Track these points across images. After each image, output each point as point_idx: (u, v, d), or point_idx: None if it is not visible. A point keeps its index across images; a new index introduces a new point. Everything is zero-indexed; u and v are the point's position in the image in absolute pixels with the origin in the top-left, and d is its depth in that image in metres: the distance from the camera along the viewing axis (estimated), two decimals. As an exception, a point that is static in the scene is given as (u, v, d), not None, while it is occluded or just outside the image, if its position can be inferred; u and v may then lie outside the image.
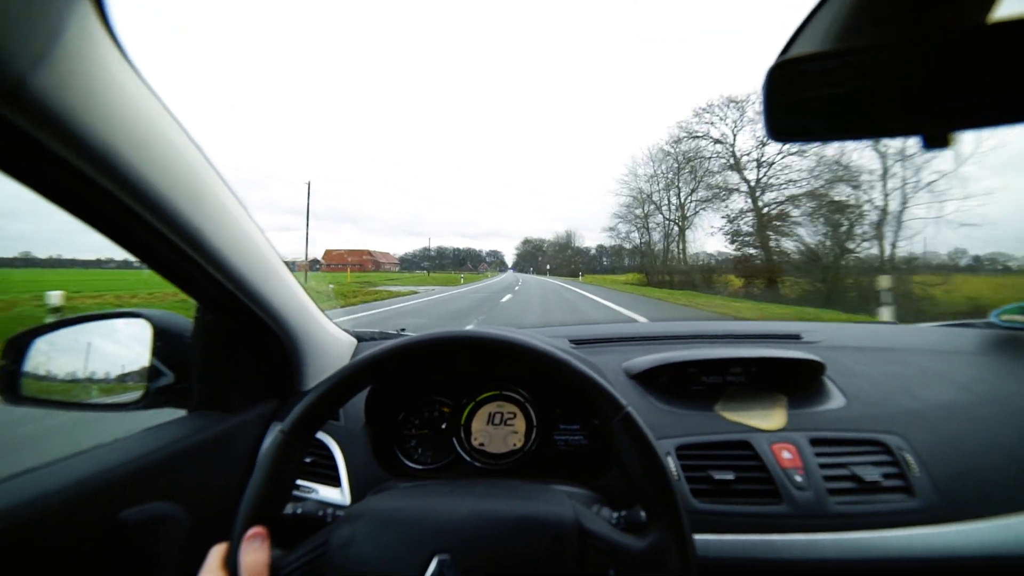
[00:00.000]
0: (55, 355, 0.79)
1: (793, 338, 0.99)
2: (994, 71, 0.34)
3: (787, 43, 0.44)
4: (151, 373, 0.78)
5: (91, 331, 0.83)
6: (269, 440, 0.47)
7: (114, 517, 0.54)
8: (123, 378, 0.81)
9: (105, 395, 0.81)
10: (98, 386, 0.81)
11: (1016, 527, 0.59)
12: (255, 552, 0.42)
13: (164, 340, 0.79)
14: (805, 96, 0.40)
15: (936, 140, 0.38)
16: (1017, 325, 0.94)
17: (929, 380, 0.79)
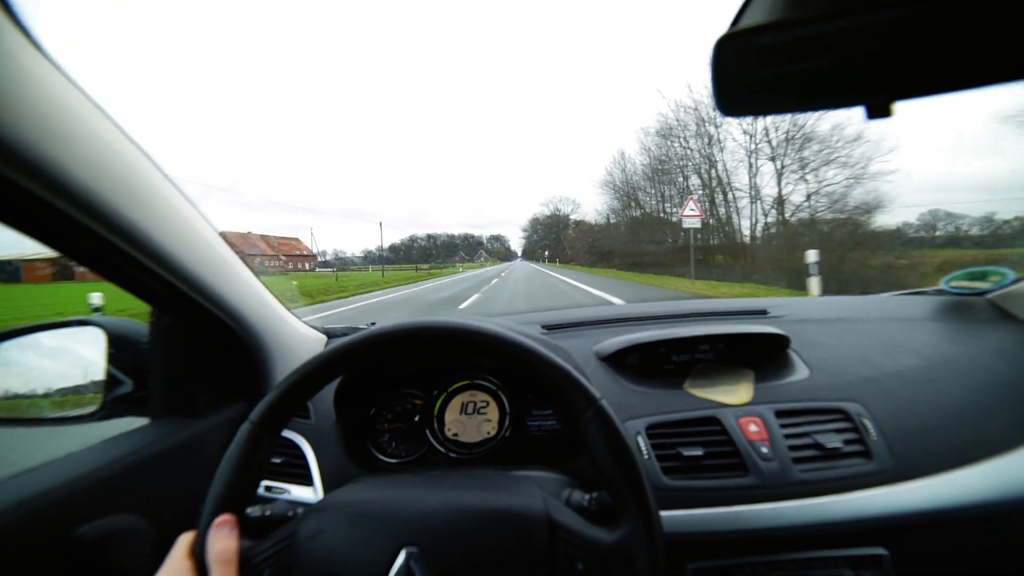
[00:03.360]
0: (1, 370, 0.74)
1: (760, 313, 1.02)
2: (932, 41, 0.35)
3: (735, 16, 0.44)
4: (108, 382, 0.74)
5: (37, 342, 0.78)
6: (238, 432, 0.46)
7: (68, 535, 0.52)
8: (77, 389, 0.77)
9: (58, 408, 0.77)
10: (49, 400, 0.77)
11: (958, 481, 0.63)
12: (224, 540, 0.41)
13: (119, 347, 0.75)
14: (752, 69, 0.41)
15: (878, 110, 0.39)
16: (964, 291, 0.98)
17: (886, 348, 0.83)
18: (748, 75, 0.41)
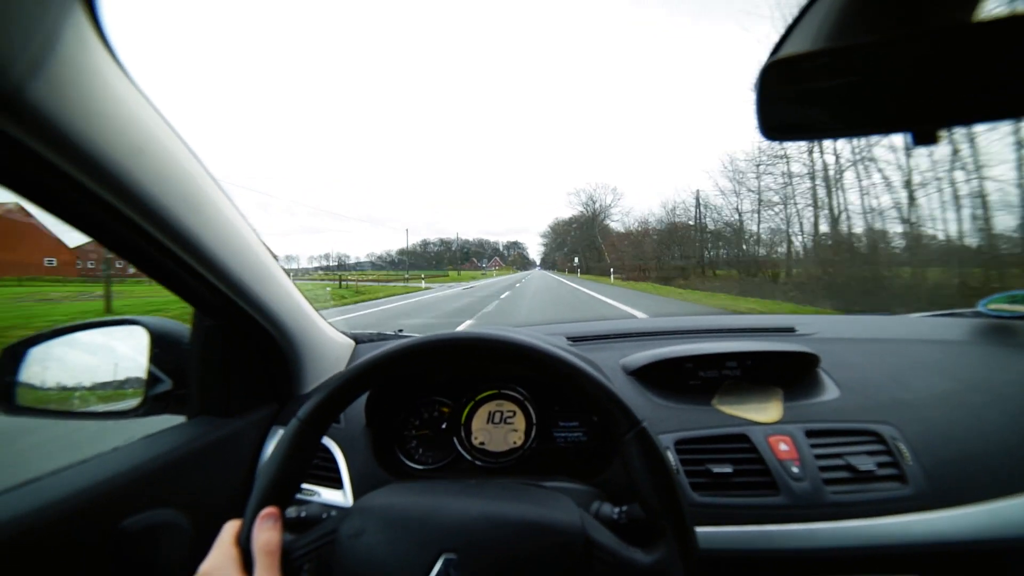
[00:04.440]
0: (51, 364, 0.78)
1: (787, 331, 1.00)
2: (980, 68, 0.35)
3: (778, 42, 0.44)
4: (149, 380, 0.77)
5: (87, 339, 0.82)
6: (285, 428, 0.48)
7: (116, 526, 0.54)
8: (121, 385, 0.81)
9: (103, 403, 0.81)
10: (95, 394, 0.80)
11: (1001, 512, 0.61)
12: (269, 531, 0.43)
13: (161, 347, 0.78)
14: (796, 95, 0.41)
15: (925, 136, 0.39)
16: (1004, 314, 0.96)
17: (920, 370, 0.81)
18: (791, 101, 0.41)
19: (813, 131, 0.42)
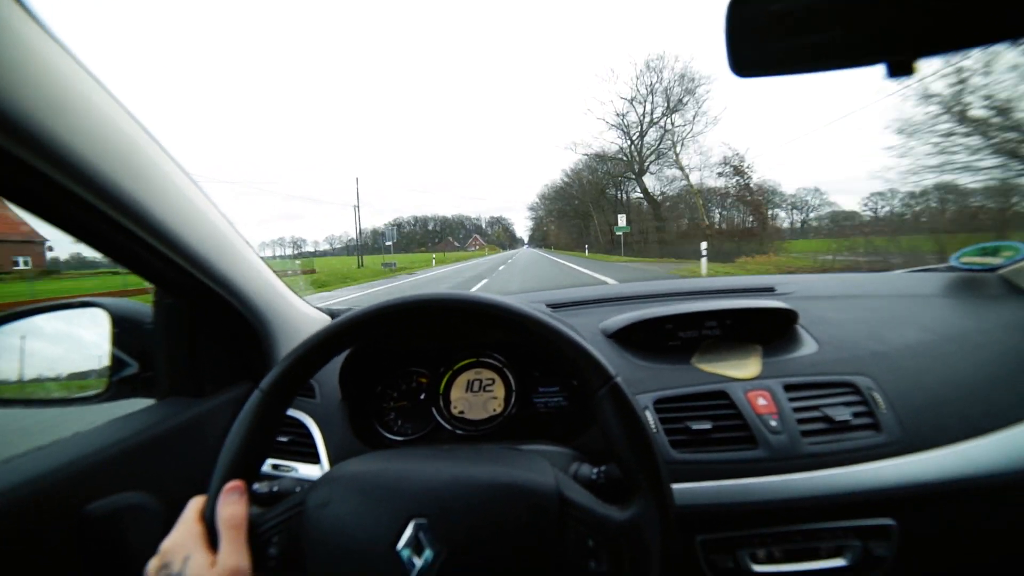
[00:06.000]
0: (3, 352, 0.75)
1: (767, 290, 1.01)
2: None
3: None
4: (114, 364, 0.74)
5: (43, 324, 0.79)
6: (248, 400, 0.46)
7: (79, 511, 0.52)
8: (83, 371, 0.77)
9: (64, 390, 0.77)
10: (56, 381, 0.77)
11: (968, 452, 0.63)
12: (233, 505, 0.41)
13: (124, 328, 0.75)
14: (766, 29, 0.39)
15: (900, 67, 0.37)
16: (975, 267, 0.97)
17: (895, 323, 0.82)
18: (762, 36, 0.39)
19: (784, 66, 0.40)
